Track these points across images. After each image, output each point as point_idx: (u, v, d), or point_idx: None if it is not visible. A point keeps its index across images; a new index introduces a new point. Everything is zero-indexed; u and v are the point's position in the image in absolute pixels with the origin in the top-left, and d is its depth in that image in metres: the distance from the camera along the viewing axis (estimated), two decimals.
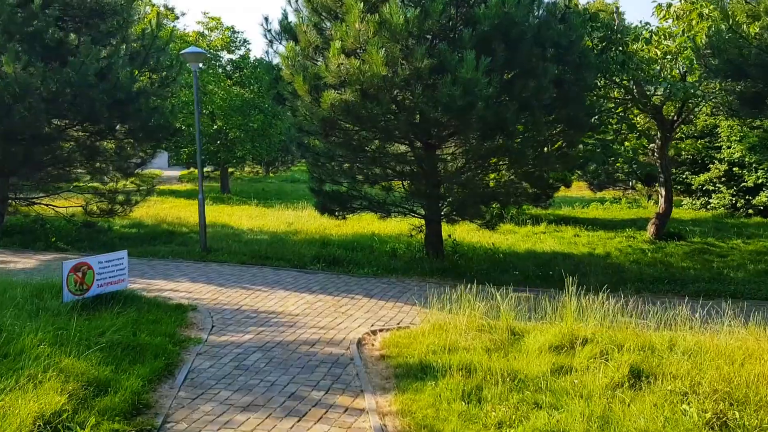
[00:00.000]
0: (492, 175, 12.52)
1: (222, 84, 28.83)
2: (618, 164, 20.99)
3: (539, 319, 7.74)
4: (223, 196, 29.02)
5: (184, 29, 31.28)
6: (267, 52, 12.57)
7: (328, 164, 12.86)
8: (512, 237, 16.12)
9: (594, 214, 21.89)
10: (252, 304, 9.15)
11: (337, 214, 13.52)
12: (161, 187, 32.05)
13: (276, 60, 12.89)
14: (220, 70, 29.58)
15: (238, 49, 30.43)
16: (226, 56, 30.36)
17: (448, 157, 12.45)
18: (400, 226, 16.39)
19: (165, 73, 15.85)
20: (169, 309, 8.49)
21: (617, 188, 26.63)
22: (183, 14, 55.07)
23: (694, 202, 22.20)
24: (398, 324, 8.36)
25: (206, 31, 30.03)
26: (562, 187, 15.07)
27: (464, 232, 15.70)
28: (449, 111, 10.42)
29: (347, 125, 11.69)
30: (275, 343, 7.32)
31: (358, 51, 11.02)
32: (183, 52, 13.43)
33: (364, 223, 17.56)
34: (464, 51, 10.18)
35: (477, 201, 12.06)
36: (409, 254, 13.37)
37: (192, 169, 47.61)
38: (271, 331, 7.79)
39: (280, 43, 12.74)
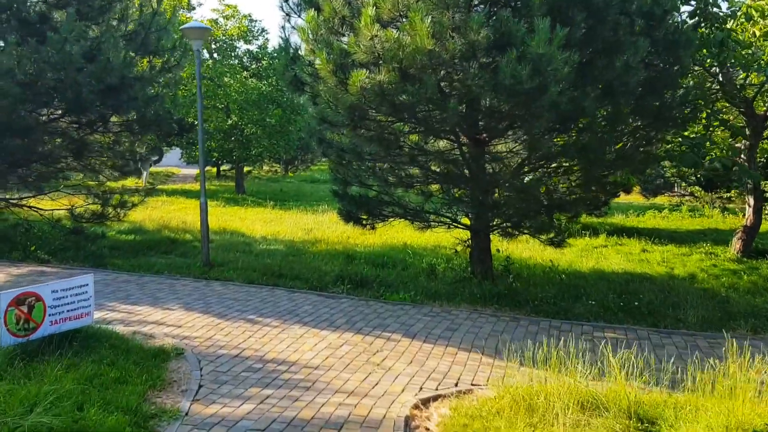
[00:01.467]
0: (554, 179, 10.14)
1: (238, 76, 26.70)
2: (683, 169, 18.45)
3: (661, 381, 5.41)
4: (237, 196, 26.93)
5: (201, 20, 29.16)
6: (283, 27, 10.32)
7: (354, 163, 10.61)
8: (569, 251, 13.71)
9: (652, 223, 19.37)
10: (257, 348, 6.90)
11: (364, 222, 11.26)
12: (173, 186, 30.12)
13: (294, 38, 10.65)
14: (236, 61, 27.48)
15: (256, 39, 28.32)
16: (242, 46, 28.27)
17: (504, 155, 10.11)
18: (437, 236, 14.10)
19: (168, 56, 13.70)
20: (145, 356, 6.28)
21: (673, 194, 24.02)
22: (200, 4, 53.21)
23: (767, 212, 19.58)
24: (456, 385, 6.06)
25: (221, 19, 27.94)
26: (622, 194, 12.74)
27: (510, 245, 13.32)
28: (513, 96, 8.12)
29: (380, 116, 9.42)
30: (285, 421, 5.05)
31: (396, 20, 8.77)
32: (183, 27, 11.25)
33: (393, 232, 15.28)
34: (534, 19, 7.90)
35: (539, 211, 9.73)
36: (451, 273, 11.07)
37: (209, 167, 45.88)
38: (280, 398, 5.53)
39: (299, 16, 10.51)
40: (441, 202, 11.32)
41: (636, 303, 9.25)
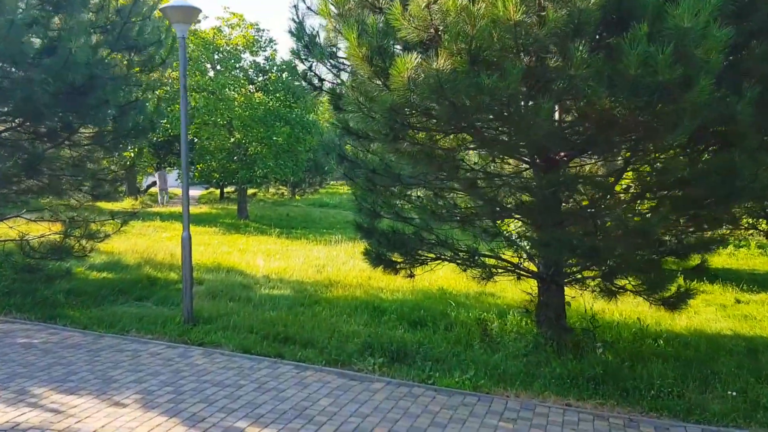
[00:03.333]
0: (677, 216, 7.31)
1: (242, 89, 24.19)
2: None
3: None
4: (239, 222, 24.26)
5: (204, 31, 26.66)
6: (296, 6, 7.57)
7: (390, 188, 7.91)
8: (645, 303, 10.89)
9: (720, 262, 16.52)
10: None
11: (399, 267, 8.55)
12: (171, 210, 27.43)
13: (311, 21, 8.04)
14: (240, 74, 24.95)
15: (263, 50, 25.79)
16: (248, 58, 25.72)
17: (598, 180, 7.34)
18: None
19: (153, 51, 11.10)
20: None
21: (736, 228, 21.13)
22: (205, 17, 51.12)
23: None
24: None
25: (226, 28, 25.48)
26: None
27: (570, 290, 10.49)
28: (638, 93, 5.42)
29: (431, 123, 6.73)
30: None
31: None
32: (164, 7, 8.61)
33: (422, 271, 12.48)
34: None
35: (653, 258, 6.98)
36: (511, 337, 8.28)
37: (211, 189, 43.40)
38: None
39: None
40: (496, 242, 8.61)
41: None
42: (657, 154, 6.54)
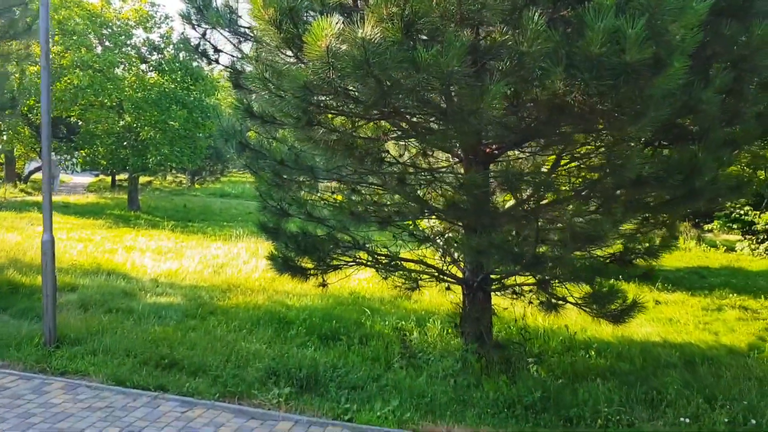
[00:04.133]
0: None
1: (133, 69, 22.08)
2: None
3: None
4: (129, 214, 22.19)
5: (93, 4, 24.10)
6: None
7: (299, 182, 6.73)
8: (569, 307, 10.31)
9: None
10: None
11: (309, 273, 7.40)
12: (56, 199, 24.78)
13: None
14: (132, 51, 22.76)
15: (158, 27, 23.69)
16: (141, 35, 23.56)
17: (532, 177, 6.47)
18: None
19: (17, 11, 9.36)
20: None
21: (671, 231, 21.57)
22: None
23: (755, 247, 17.20)
24: None
25: (116, 1, 23.17)
26: None
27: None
28: (602, 76, 4.53)
29: (352, 106, 5.59)
30: None
31: None
32: None
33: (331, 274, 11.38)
34: None
35: (598, 266, 6.22)
36: (435, 353, 7.33)
37: (101, 176, 40.32)
38: None
39: None
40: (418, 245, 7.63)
41: (753, 421, 5.82)
42: (600, 148, 5.74)
